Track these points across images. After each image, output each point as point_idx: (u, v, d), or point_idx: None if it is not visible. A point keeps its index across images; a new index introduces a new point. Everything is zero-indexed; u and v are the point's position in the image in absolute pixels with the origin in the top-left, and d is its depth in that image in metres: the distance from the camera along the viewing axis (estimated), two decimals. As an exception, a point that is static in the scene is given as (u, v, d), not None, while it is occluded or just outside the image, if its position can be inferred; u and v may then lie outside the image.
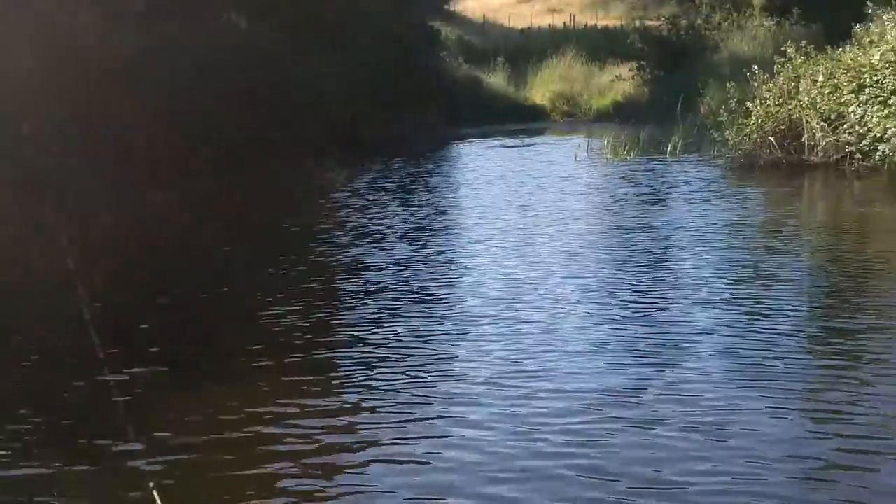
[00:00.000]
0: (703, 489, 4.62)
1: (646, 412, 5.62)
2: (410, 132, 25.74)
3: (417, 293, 8.92)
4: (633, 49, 35.23)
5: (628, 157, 19.68)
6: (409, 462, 5.06)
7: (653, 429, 5.34)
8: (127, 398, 6.11)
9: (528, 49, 40.85)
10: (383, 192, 16.39)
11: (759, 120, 17.24)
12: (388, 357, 6.89)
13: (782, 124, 17.10)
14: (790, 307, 7.86)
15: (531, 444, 5.20)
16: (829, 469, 4.81)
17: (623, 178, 17.11)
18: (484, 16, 49.43)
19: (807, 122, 16.71)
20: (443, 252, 11.10)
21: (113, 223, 12.87)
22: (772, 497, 4.49)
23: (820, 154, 16.38)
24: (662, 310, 7.99)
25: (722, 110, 18.32)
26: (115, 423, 5.61)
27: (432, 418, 5.68)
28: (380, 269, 10.06)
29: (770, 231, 11.41)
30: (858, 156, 14.96)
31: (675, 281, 9.00)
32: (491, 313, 7.97)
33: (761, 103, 17.33)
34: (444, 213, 14.22)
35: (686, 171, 17.40)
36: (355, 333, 7.61)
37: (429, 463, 5.04)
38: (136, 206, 14.41)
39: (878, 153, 14.20)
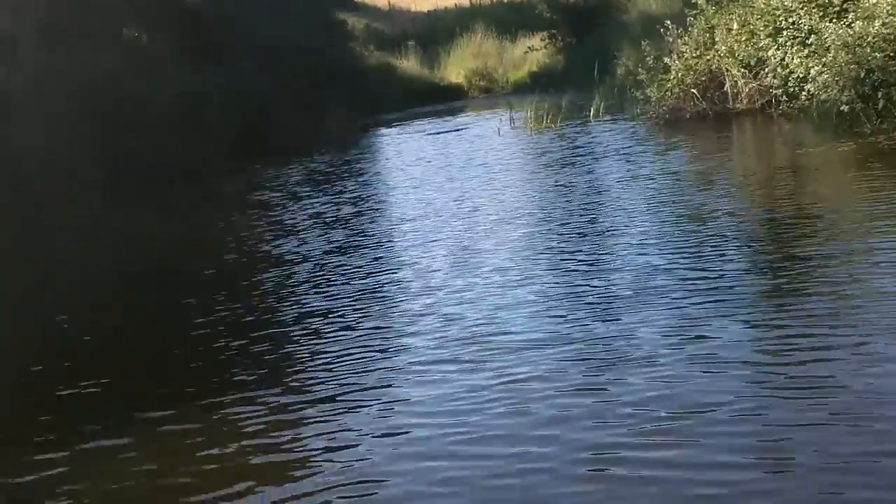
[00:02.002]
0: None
1: (597, 364, 5.37)
2: (328, 127, 25.05)
3: (351, 279, 8.45)
4: (543, 19, 34.94)
5: (552, 126, 19.27)
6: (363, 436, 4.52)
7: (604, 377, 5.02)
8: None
9: (437, 30, 40.39)
10: (298, 191, 15.75)
11: (679, 74, 16.96)
12: (334, 340, 6.47)
13: (703, 76, 16.83)
14: (730, 251, 7.58)
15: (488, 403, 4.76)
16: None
17: (549, 145, 16.70)
18: (389, 2, 48.76)
19: (727, 70, 16.45)
20: (373, 238, 10.54)
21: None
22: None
23: (745, 101, 16.15)
24: (604, 263, 7.70)
25: (640, 69, 18.01)
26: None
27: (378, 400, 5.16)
28: (305, 261, 9.56)
29: (703, 180, 11.04)
30: (784, 98, 14.71)
31: (614, 236, 8.57)
32: (433, 284, 7.68)
33: (679, 57, 17.06)
34: (367, 201, 13.65)
35: (612, 132, 17.06)
36: (287, 324, 7.10)
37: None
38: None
39: (803, 93, 13.94)
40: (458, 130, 22.61)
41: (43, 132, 16.26)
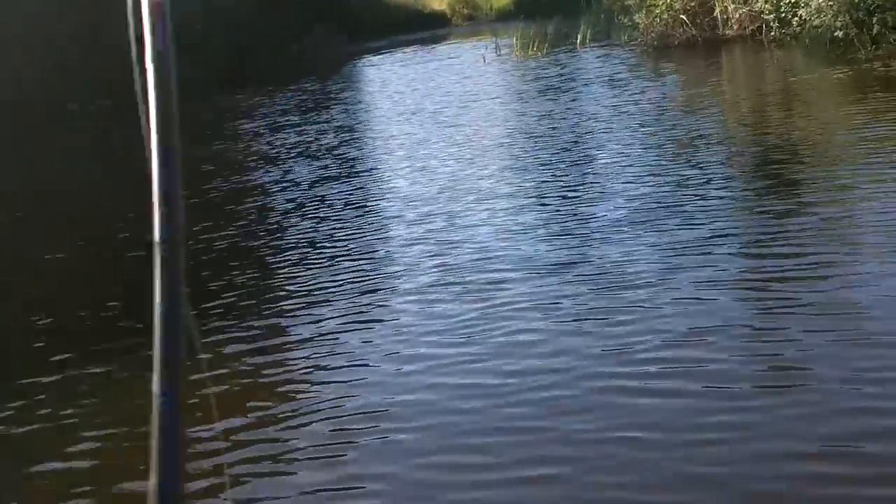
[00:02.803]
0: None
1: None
2: (311, 56, 24.59)
3: (340, 207, 8.30)
4: (528, -56, 34.23)
5: (539, 54, 18.97)
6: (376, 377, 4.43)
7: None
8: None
9: (419, -45, 39.52)
10: (284, 119, 15.47)
11: (668, 0, 16.66)
12: (328, 266, 6.25)
13: (692, 1, 16.54)
14: (721, 178, 7.48)
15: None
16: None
17: (536, 73, 16.42)
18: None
19: (717, -5, 16.19)
20: (362, 166, 10.37)
21: None
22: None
23: (735, 27, 15.92)
24: (595, 191, 7.53)
25: (628, -6, 17.70)
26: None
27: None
28: (292, 189, 9.41)
29: (693, 108, 10.87)
30: (776, 24, 14.47)
31: (604, 164, 8.43)
32: (423, 211, 7.47)
33: (668, -19, 16.74)
34: (353, 130, 13.43)
35: (600, 60, 16.80)
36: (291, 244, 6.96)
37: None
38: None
39: (795, 19, 13.72)
40: (442, 58, 22.25)
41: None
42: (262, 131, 14.40)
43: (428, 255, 6.54)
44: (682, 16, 16.49)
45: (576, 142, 9.82)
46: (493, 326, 5.05)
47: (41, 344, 5.95)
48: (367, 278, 6.29)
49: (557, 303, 5.27)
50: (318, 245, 7.30)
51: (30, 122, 16.72)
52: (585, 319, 4.97)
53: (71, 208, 10.75)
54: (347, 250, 7.02)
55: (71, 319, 6.43)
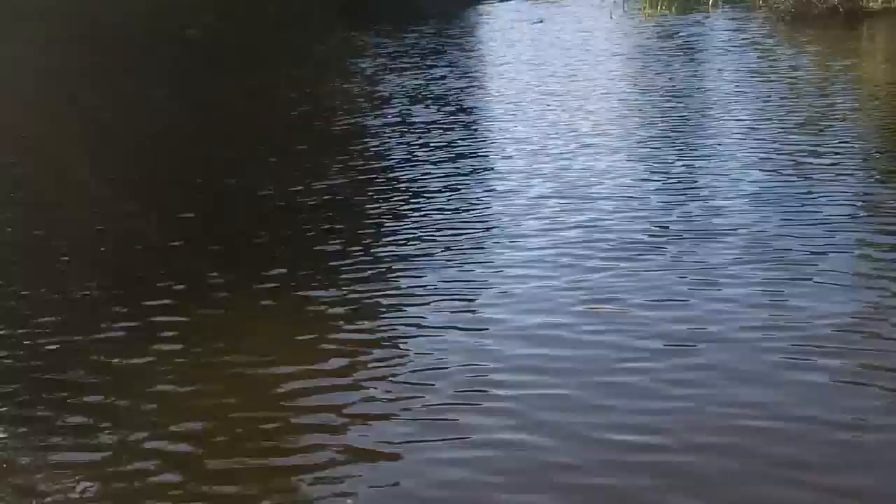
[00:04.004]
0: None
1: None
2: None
3: (451, 158, 8.16)
4: None
5: (667, 13, 18.30)
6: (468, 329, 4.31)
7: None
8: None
9: None
10: (402, 62, 15.29)
11: (812, -36, 15.80)
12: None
13: (837, -32, 15.67)
14: (848, 170, 6.93)
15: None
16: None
17: (664, 35, 15.83)
18: None
19: (865, -36, 15.29)
20: (477, 115, 10.18)
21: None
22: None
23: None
24: (716, 173, 7.11)
25: (769, -44, 16.84)
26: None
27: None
28: (405, 133, 9.27)
29: (826, 86, 10.25)
30: (927, -1, 13.63)
31: (724, 144, 8.01)
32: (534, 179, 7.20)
33: (813, -54, 15.86)
34: (472, 78, 13.17)
35: (731, 25, 16.11)
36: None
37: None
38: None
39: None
40: (567, 12, 21.70)
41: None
42: (379, 71, 14.28)
43: (544, 217, 6.35)
44: (824, -16, 15.64)
45: (697, 115, 9.38)
46: (639, 287, 4.88)
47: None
48: (475, 238, 6.12)
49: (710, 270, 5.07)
50: (428, 198, 7.15)
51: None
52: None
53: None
54: (458, 208, 6.84)
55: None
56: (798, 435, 3.53)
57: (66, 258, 6.65)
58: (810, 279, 4.90)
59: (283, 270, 5.77)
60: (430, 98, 11.54)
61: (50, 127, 10.45)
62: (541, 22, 19.51)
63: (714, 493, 3.21)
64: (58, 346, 4.95)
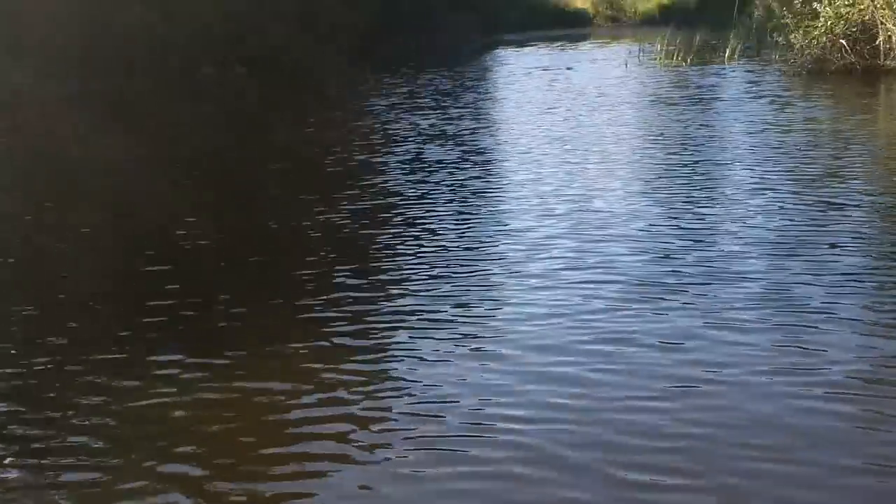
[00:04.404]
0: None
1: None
2: (446, 43, 24.54)
3: (461, 195, 8.13)
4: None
5: (683, 64, 18.42)
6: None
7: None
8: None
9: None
10: (414, 101, 15.38)
11: (829, 22, 15.90)
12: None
13: (854, 26, 15.77)
14: (854, 224, 6.79)
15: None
16: None
17: (679, 85, 15.92)
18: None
19: (882, 23, 15.39)
20: (488, 156, 10.18)
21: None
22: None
23: (897, 58, 15.12)
24: (731, 220, 7.02)
25: (785, 11, 16.97)
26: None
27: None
28: (416, 171, 9.27)
29: (841, 142, 10.20)
30: (944, 59, 13.68)
31: (749, 192, 7.97)
32: (538, 210, 7.14)
33: (830, 3, 15.97)
34: (483, 120, 13.23)
35: (747, 77, 16.19)
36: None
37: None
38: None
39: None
40: (581, 59, 21.88)
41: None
42: (394, 112, 14.35)
43: (537, 249, 6.32)
44: (841, 41, 15.73)
45: (708, 162, 9.33)
46: (651, 328, 4.80)
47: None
48: (482, 261, 6.11)
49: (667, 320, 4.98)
50: (438, 228, 7.14)
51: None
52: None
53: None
54: (465, 235, 6.85)
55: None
56: (811, 479, 3.44)
57: (66, 274, 6.62)
58: (826, 325, 4.82)
59: (291, 300, 5.72)
60: (442, 137, 11.58)
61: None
62: (570, 69, 19.65)
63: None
64: (57, 363, 4.89)
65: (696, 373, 4.35)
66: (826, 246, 6.19)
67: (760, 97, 13.80)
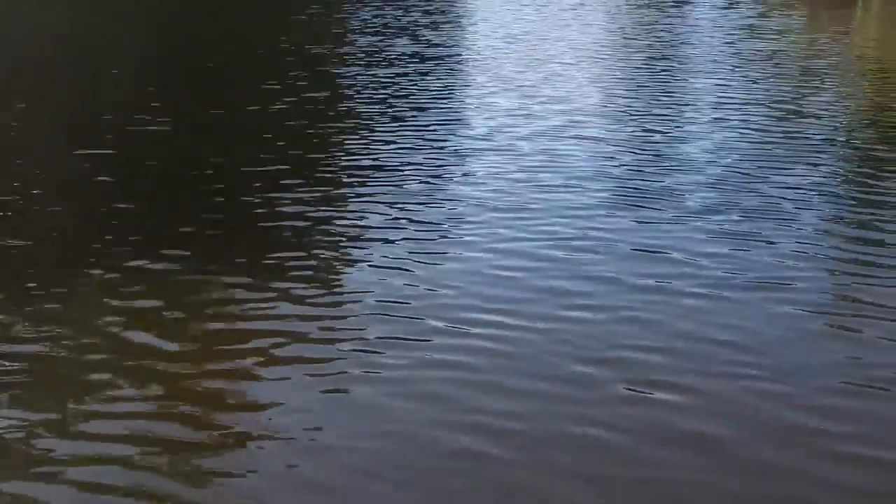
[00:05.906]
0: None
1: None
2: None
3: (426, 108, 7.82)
4: None
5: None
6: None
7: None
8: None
9: None
10: (364, 24, 14.74)
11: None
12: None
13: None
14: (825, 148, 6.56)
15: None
16: None
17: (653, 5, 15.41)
18: None
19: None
20: (450, 80, 9.83)
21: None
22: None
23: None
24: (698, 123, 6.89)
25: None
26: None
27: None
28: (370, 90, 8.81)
29: (816, 56, 9.90)
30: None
31: (713, 103, 7.73)
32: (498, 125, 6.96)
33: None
34: (438, 46, 12.73)
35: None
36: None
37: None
38: None
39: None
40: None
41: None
42: (348, 35, 13.61)
43: (495, 168, 6.08)
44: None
45: (686, 67, 9.09)
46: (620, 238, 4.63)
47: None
48: (439, 178, 5.85)
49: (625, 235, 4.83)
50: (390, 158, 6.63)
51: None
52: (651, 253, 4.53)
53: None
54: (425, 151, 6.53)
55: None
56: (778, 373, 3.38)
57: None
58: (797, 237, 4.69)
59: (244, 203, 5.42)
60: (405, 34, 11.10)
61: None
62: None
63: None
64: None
65: (667, 283, 4.18)
66: (798, 162, 5.99)
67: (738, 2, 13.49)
